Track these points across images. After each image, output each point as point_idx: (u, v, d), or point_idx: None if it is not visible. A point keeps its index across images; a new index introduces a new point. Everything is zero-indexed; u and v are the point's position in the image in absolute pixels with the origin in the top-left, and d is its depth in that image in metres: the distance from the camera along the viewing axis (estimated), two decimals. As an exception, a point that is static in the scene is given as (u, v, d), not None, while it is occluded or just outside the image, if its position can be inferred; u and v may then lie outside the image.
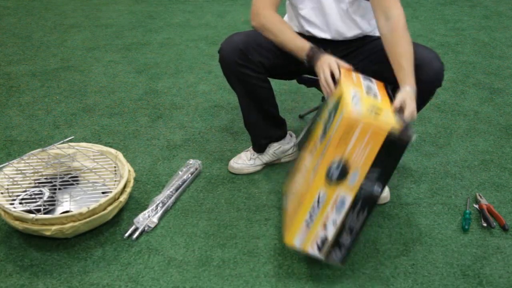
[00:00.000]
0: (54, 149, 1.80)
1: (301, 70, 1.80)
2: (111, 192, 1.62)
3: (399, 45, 1.49)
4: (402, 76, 1.45)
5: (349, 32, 1.70)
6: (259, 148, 1.92)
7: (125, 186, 1.66)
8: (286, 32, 1.59)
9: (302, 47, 1.57)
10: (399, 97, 1.39)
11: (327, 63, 1.51)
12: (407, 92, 1.40)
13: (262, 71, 1.69)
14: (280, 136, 1.94)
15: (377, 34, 1.71)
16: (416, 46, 1.54)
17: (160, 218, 1.69)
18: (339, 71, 1.49)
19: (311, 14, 1.69)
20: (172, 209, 1.75)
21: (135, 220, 1.64)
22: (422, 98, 1.57)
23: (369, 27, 1.73)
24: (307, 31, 1.73)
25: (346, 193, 1.34)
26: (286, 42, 1.59)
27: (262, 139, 1.90)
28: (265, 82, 1.74)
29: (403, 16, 1.52)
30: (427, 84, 1.53)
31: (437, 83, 1.56)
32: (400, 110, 1.37)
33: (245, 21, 3.62)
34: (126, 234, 1.61)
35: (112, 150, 1.80)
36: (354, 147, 1.28)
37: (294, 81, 1.94)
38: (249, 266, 1.52)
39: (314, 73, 1.80)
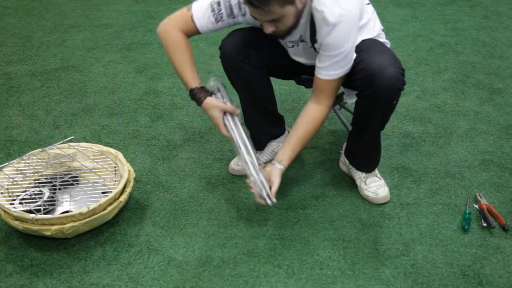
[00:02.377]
0: (54, 149, 1.80)
1: (301, 71, 1.81)
2: (111, 192, 1.62)
3: (309, 131, 1.62)
4: (286, 154, 1.62)
5: None
6: (259, 145, 1.92)
7: (125, 186, 1.66)
8: (180, 61, 1.62)
9: (186, 83, 1.63)
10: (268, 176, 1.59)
11: (212, 115, 1.62)
12: (279, 174, 1.60)
13: (263, 67, 1.70)
14: (279, 133, 1.94)
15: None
16: (369, 54, 1.50)
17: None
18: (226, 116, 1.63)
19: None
20: (172, 209, 1.75)
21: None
22: (384, 108, 1.58)
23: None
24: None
25: None
26: (177, 68, 1.63)
27: (262, 136, 1.91)
28: (265, 79, 1.74)
29: (329, 110, 1.63)
30: (384, 92, 1.51)
31: (394, 90, 1.52)
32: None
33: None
34: None
35: (112, 150, 1.80)
36: None
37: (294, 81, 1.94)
38: (249, 266, 1.52)
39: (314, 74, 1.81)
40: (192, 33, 1.64)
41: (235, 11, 1.57)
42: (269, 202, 1.57)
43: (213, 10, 1.57)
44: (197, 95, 1.62)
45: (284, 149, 1.63)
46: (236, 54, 1.63)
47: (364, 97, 1.56)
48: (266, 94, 1.79)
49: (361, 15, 1.53)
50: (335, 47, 1.47)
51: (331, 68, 1.52)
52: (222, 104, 1.62)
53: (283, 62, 1.75)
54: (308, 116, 1.62)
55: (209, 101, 1.61)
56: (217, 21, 1.59)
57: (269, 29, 1.43)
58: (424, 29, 3.43)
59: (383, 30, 1.67)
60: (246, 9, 1.55)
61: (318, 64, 1.55)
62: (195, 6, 1.60)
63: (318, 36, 1.50)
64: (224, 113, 1.63)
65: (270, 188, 1.59)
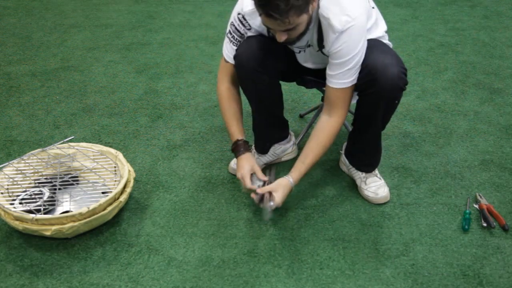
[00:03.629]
0: (54, 149, 1.80)
1: (305, 73, 1.81)
2: (111, 192, 1.62)
3: (320, 143, 1.61)
4: (297, 167, 1.62)
5: None
6: (263, 150, 1.92)
7: (125, 186, 1.66)
8: (225, 114, 1.73)
9: (231, 135, 1.72)
10: (274, 184, 1.59)
11: (241, 174, 1.65)
12: (285, 185, 1.59)
13: (277, 76, 1.70)
14: (284, 136, 1.94)
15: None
16: (371, 54, 1.50)
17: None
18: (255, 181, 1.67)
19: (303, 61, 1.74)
20: (172, 209, 1.75)
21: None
22: (385, 107, 1.58)
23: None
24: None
25: None
26: (225, 121, 1.75)
27: (268, 142, 1.91)
28: (277, 87, 1.75)
29: (342, 121, 1.60)
30: (386, 92, 1.51)
31: (397, 90, 1.52)
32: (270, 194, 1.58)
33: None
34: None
35: (112, 150, 1.80)
36: None
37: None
38: (249, 266, 1.52)
39: (316, 75, 1.81)
40: (234, 70, 1.69)
41: (241, 29, 1.61)
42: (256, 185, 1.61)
43: (230, 41, 1.65)
44: (239, 147, 1.69)
45: (296, 162, 1.64)
46: (254, 64, 1.60)
47: (366, 97, 1.56)
48: (276, 101, 1.79)
49: (367, 20, 1.53)
50: (344, 54, 1.47)
51: (342, 76, 1.51)
52: (255, 164, 1.68)
53: (291, 66, 1.74)
54: (319, 129, 1.62)
55: (247, 155, 1.68)
56: (237, 46, 1.64)
57: (282, 38, 1.43)
58: (424, 29, 3.43)
59: (386, 31, 1.67)
60: (250, 22, 1.58)
61: (329, 72, 1.54)
62: (223, 49, 1.69)
63: (326, 43, 1.50)
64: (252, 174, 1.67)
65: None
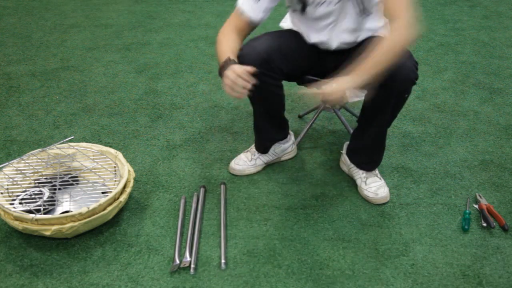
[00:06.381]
0: (54, 149, 1.80)
1: (308, 72, 1.81)
2: (111, 192, 1.62)
3: (378, 50, 1.43)
4: (357, 68, 1.42)
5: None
6: (264, 150, 1.92)
7: (125, 186, 1.66)
8: (221, 46, 1.59)
9: (220, 59, 1.54)
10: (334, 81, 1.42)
11: (232, 70, 1.44)
12: (343, 79, 1.41)
13: (281, 77, 1.69)
14: (283, 137, 1.94)
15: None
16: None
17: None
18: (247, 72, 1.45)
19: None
20: (172, 209, 1.75)
21: None
22: (395, 100, 1.57)
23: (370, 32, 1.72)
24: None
25: None
26: (218, 53, 1.58)
27: (268, 141, 1.91)
28: (281, 89, 1.74)
29: (403, 22, 1.44)
30: (398, 84, 1.51)
31: (408, 82, 1.52)
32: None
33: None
34: None
35: (112, 150, 1.80)
36: None
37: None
38: (249, 266, 1.52)
39: (317, 74, 1.81)
40: (244, 25, 1.62)
41: None
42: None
43: None
44: (229, 62, 1.49)
45: (360, 65, 1.45)
46: (258, 66, 1.56)
47: (378, 88, 1.55)
48: (278, 102, 1.78)
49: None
50: None
51: None
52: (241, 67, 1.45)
53: (296, 67, 1.73)
54: (382, 40, 1.45)
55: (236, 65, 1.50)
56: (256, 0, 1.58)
57: None
58: (424, 29, 3.43)
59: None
60: None
61: None
62: (238, 1, 1.63)
63: None
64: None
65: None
